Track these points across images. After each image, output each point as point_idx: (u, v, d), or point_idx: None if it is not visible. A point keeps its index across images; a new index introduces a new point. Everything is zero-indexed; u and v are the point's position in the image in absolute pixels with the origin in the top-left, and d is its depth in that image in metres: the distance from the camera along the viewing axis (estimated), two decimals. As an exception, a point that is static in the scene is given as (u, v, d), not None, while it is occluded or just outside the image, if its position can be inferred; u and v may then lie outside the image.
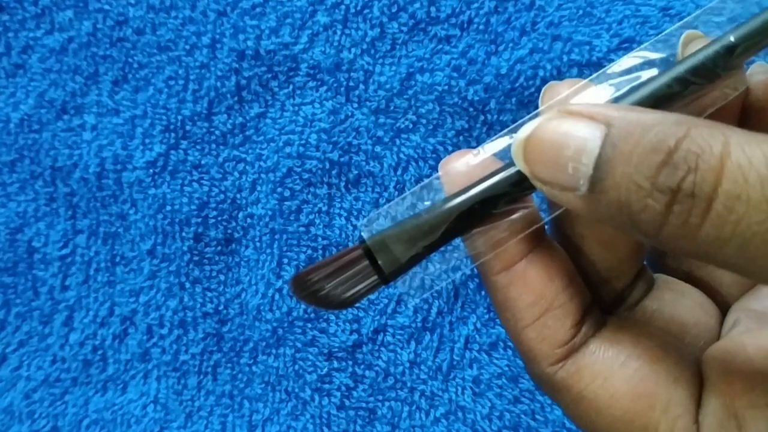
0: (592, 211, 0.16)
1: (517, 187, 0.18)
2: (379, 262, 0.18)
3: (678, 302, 0.22)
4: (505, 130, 0.19)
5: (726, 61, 0.17)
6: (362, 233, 0.19)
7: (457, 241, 0.19)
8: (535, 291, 0.19)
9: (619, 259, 0.20)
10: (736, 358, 0.18)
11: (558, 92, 0.19)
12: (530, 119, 0.18)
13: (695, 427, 0.17)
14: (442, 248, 0.19)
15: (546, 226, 0.19)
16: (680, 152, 0.14)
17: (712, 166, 0.14)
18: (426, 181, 0.19)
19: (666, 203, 0.14)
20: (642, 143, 0.15)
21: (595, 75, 0.19)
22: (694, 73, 0.17)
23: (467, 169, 0.19)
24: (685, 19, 0.19)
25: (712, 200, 0.14)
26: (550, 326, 0.18)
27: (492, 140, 0.19)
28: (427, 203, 0.19)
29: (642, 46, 0.19)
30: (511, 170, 0.18)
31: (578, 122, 0.16)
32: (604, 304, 0.21)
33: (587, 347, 0.19)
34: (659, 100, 0.17)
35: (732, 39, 0.17)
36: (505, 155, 0.19)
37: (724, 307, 0.22)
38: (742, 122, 0.19)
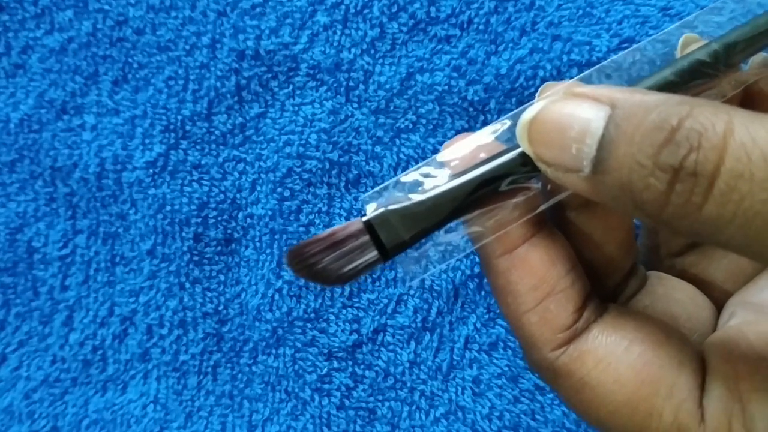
0: (596, 193, 0.16)
1: (521, 169, 0.17)
2: (381, 237, 0.18)
3: (670, 297, 0.22)
4: (509, 114, 0.19)
5: (726, 59, 0.17)
6: (364, 207, 0.19)
7: (458, 223, 0.19)
8: (537, 275, 0.18)
9: (611, 253, 0.20)
10: (738, 345, 0.18)
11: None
12: (523, 110, 0.18)
13: (699, 411, 0.17)
14: (442, 230, 0.19)
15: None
16: (683, 131, 0.14)
17: (714, 145, 0.14)
18: (429, 159, 0.19)
19: (668, 182, 0.14)
20: (645, 122, 0.15)
21: (591, 70, 0.19)
22: (694, 69, 0.17)
23: (471, 149, 0.19)
24: (685, 19, 0.19)
25: (714, 179, 0.14)
26: (552, 311, 0.18)
27: (495, 123, 0.19)
28: (431, 181, 0.19)
29: (640, 44, 0.19)
30: (515, 152, 0.18)
31: (582, 103, 0.16)
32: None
33: (589, 332, 0.18)
34: (664, 91, 0.17)
35: (732, 38, 0.17)
36: (507, 138, 0.19)
37: (719, 302, 0.22)
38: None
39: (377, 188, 0.19)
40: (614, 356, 0.18)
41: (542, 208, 0.19)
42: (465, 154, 0.19)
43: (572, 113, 0.16)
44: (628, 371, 0.18)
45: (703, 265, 0.23)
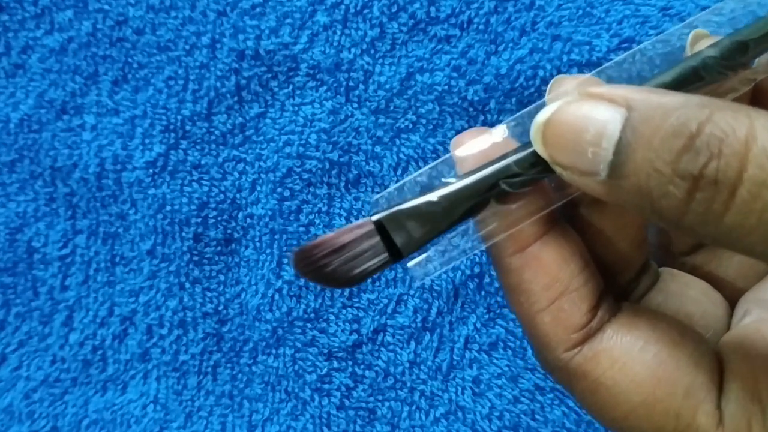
0: (612, 197, 0.16)
1: (534, 168, 0.17)
2: (394, 238, 0.17)
3: (683, 294, 0.21)
4: (522, 112, 0.19)
5: (739, 57, 0.17)
6: (374, 208, 0.18)
7: (469, 221, 0.19)
8: (550, 274, 0.18)
9: (624, 250, 0.20)
10: (755, 345, 0.18)
11: (564, 85, 0.19)
12: (537, 107, 0.17)
13: (718, 412, 0.17)
14: (452, 230, 0.18)
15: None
16: (703, 137, 0.14)
17: (736, 151, 0.13)
18: (440, 159, 0.19)
19: (688, 190, 0.14)
20: (663, 127, 0.14)
21: (596, 71, 0.19)
22: (706, 67, 0.17)
23: (481, 149, 0.18)
24: (686, 21, 0.19)
25: (736, 187, 0.13)
26: (565, 310, 0.18)
27: (508, 120, 0.19)
28: (442, 180, 0.18)
29: (641, 45, 0.19)
30: (528, 150, 0.17)
31: (598, 105, 0.15)
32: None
33: (604, 332, 0.18)
34: (674, 90, 0.17)
35: (744, 35, 0.17)
36: (519, 135, 0.18)
37: (731, 299, 0.22)
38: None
39: (389, 189, 0.19)
40: (629, 356, 0.17)
41: (555, 206, 0.18)
42: (477, 152, 0.18)
43: (587, 115, 0.15)
44: (644, 371, 0.17)
45: (715, 262, 0.22)
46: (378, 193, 0.33)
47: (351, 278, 0.18)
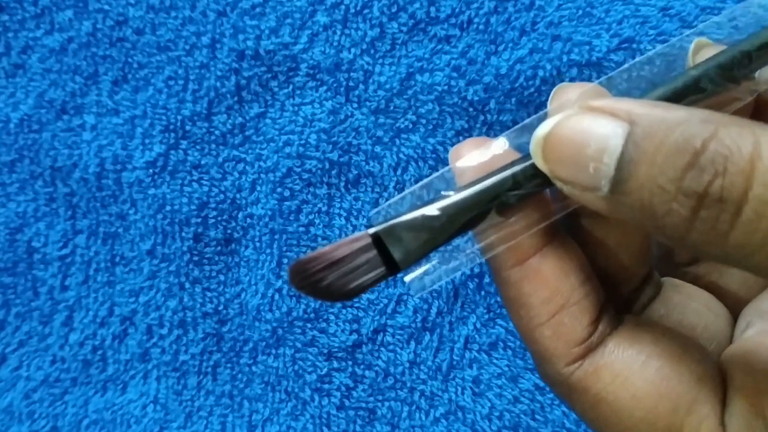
0: (614, 212, 0.15)
1: (534, 180, 0.17)
2: (392, 251, 0.17)
3: (686, 306, 0.21)
4: (521, 124, 0.18)
5: (742, 68, 0.17)
6: (372, 222, 0.18)
7: (467, 234, 0.18)
8: (549, 287, 0.18)
9: (626, 261, 0.20)
10: (759, 358, 0.18)
11: (567, 94, 0.19)
12: (538, 119, 0.17)
13: (721, 428, 0.16)
14: (451, 243, 0.18)
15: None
16: (707, 154, 0.13)
17: (741, 169, 0.13)
18: (438, 172, 0.19)
19: (692, 208, 0.14)
20: (666, 143, 0.14)
21: (603, 78, 0.19)
22: (709, 78, 0.17)
23: (482, 160, 0.18)
24: (696, 27, 0.19)
25: (741, 205, 0.13)
26: (566, 324, 0.18)
27: (507, 133, 0.18)
28: (441, 193, 0.18)
29: (648, 54, 0.19)
30: (528, 162, 0.17)
31: (599, 119, 0.15)
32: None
33: (605, 346, 0.18)
34: (676, 101, 0.17)
35: (748, 46, 0.17)
36: (518, 146, 0.18)
37: (734, 310, 0.22)
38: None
39: (388, 202, 0.19)
40: (631, 371, 0.17)
41: (555, 218, 0.18)
42: (477, 164, 0.18)
43: (589, 129, 0.15)
44: (646, 386, 0.17)
45: (717, 273, 0.22)
46: (378, 194, 0.33)
47: (347, 292, 0.18)
